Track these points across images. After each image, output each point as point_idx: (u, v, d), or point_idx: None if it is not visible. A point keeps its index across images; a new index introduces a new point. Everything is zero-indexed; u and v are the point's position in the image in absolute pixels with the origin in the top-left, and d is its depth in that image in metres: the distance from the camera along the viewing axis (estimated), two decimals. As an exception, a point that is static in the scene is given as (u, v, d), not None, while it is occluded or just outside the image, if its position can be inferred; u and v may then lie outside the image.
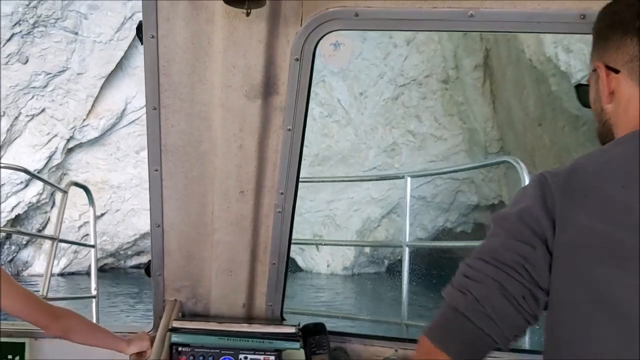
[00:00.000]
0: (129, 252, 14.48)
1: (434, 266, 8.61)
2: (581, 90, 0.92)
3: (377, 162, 12.31)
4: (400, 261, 2.89)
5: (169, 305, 1.42)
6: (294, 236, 1.46)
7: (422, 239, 12.16)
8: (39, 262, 12.25)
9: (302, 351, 1.37)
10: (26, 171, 3.37)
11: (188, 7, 1.23)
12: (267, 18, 1.21)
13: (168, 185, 1.37)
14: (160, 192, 1.37)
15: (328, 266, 13.34)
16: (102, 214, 13.11)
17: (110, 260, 14.37)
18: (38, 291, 2.44)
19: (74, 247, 12.51)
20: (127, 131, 12.25)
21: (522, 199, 0.78)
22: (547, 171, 0.80)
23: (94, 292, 2.92)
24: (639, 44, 0.80)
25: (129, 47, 10.81)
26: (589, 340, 0.70)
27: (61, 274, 12.08)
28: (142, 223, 13.11)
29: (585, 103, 0.92)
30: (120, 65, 11.11)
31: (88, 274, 13.09)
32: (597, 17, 0.88)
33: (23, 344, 1.40)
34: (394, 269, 10.80)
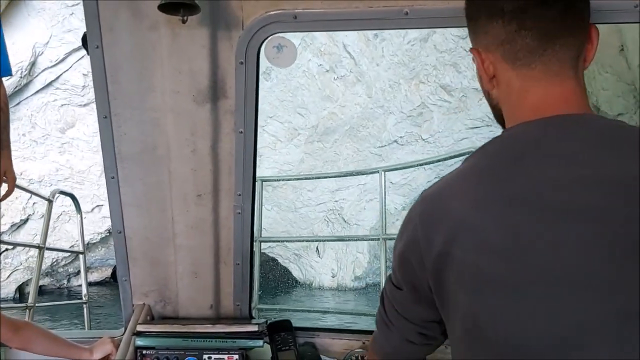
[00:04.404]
0: (70, 270, 14.87)
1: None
2: None
3: (399, 133, 12.38)
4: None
5: (137, 309, 2.03)
6: (263, 234, 2.06)
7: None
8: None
9: (268, 348, 1.97)
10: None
11: (130, 16, 1.80)
12: (208, 24, 1.78)
13: (126, 192, 1.96)
14: (119, 199, 1.96)
15: (333, 276, 13.65)
16: (24, 222, 13.08)
17: (46, 280, 14.62)
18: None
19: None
20: (44, 99, 11.79)
21: (402, 230, 1.13)
22: (426, 192, 1.11)
23: (84, 299, 4.10)
24: (505, 27, 1.06)
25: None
26: None
27: (-24, 303, 12.44)
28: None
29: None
30: (21, -4, 10.20)
31: (14, 299, 13.64)
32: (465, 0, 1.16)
33: (-2, 353, 2.02)
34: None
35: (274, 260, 14.59)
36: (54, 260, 13.95)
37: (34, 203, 13.06)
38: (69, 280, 15.49)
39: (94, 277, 15.23)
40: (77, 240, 13.66)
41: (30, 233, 13.23)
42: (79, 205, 4.51)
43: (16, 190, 4.06)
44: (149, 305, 2.07)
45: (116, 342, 1.95)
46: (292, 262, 14.27)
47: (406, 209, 12.79)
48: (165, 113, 1.89)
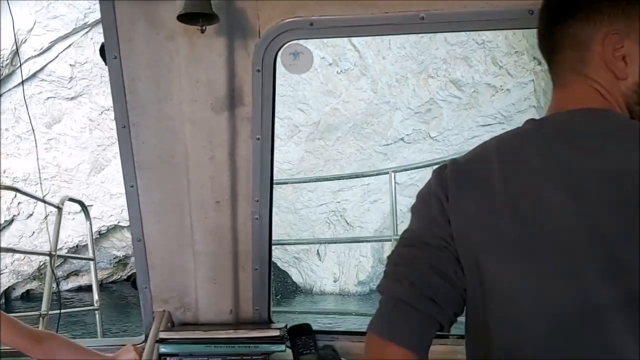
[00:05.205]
0: (59, 274, 14.68)
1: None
2: None
3: (406, 130, 12.15)
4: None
5: (158, 316, 2.15)
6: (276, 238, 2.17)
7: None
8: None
9: (289, 352, 2.08)
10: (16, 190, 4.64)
11: (148, 26, 1.91)
12: (225, 32, 1.89)
13: (145, 201, 2.07)
14: (138, 208, 2.07)
15: (335, 281, 13.51)
16: (8, 223, 12.83)
17: (34, 284, 14.36)
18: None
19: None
20: (28, 91, 11.49)
21: (429, 184, 1.22)
22: (451, 159, 1.24)
23: (96, 305, 4.28)
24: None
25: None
26: (486, 329, 1.08)
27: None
28: (69, 232, 12.88)
29: None
30: (1, -23, 10.16)
31: (-1, 307, 13.70)
32: None
33: (21, 364, 2.13)
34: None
35: (272, 263, 14.67)
36: (42, 263, 13.45)
37: (19, 203, 12.90)
38: (57, 285, 15.45)
39: (84, 280, 15.00)
40: (65, 243, 13.69)
41: (16, 235, 13.13)
42: (88, 212, 4.69)
43: (-1, 190, 4.37)
44: (169, 312, 2.19)
45: (139, 350, 2.06)
46: (291, 265, 14.20)
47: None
48: (183, 121, 2.00)
